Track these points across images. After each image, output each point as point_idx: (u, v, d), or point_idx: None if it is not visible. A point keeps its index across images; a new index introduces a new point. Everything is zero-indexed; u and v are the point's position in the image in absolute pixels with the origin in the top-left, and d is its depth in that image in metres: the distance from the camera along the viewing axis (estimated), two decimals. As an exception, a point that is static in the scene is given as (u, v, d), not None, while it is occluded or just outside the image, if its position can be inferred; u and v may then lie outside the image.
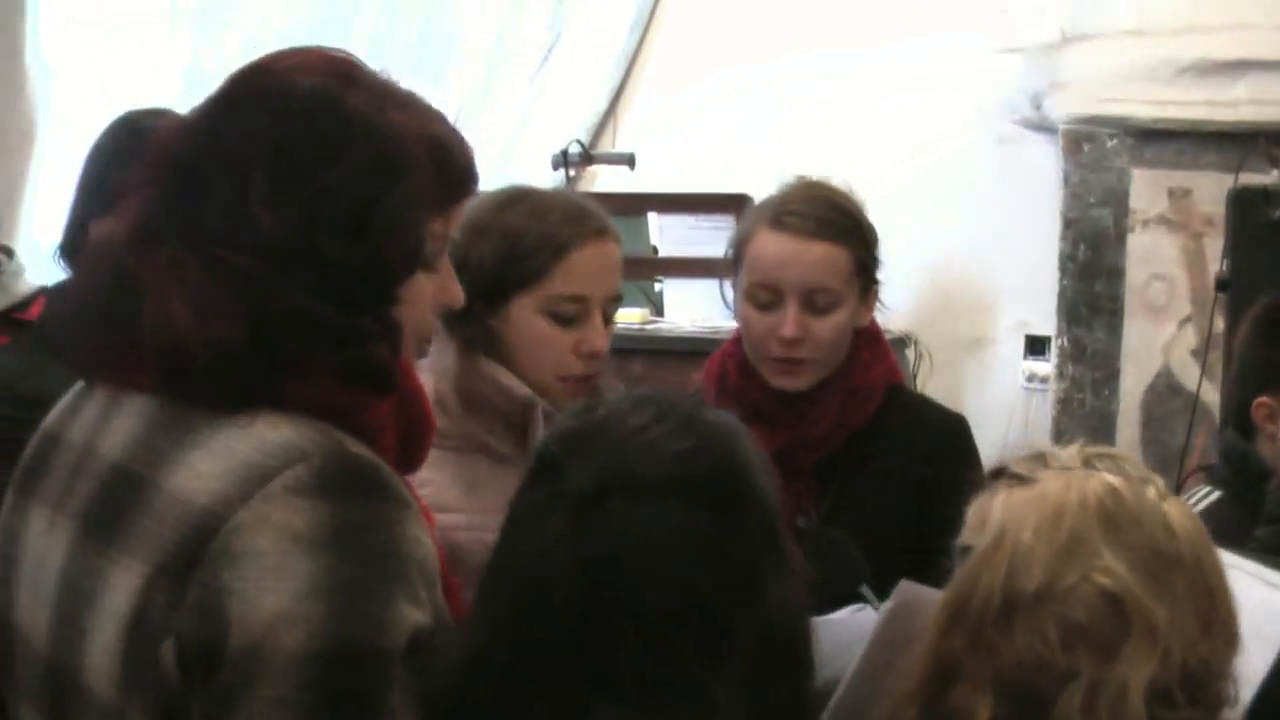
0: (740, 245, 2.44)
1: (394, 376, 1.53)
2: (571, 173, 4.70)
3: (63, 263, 2.57)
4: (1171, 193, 4.32)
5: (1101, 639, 1.54)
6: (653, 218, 4.53)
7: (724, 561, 1.45)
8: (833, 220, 2.39)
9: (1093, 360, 4.41)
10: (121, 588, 1.43)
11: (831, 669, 1.74)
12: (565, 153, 4.66)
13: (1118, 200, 4.37)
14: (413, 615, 1.42)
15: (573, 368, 2.21)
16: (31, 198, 4.57)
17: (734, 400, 2.36)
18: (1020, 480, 1.64)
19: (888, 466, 2.39)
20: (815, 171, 4.18)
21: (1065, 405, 4.44)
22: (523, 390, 2.18)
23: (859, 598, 2.05)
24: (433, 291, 1.60)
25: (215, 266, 1.47)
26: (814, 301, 2.36)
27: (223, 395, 1.46)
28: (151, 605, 1.41)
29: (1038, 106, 4.54)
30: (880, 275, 2.47)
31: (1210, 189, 4.20)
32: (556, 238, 2.19)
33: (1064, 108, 4.44)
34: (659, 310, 4.59)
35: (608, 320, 2.25)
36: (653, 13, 5.09)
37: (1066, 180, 4.42)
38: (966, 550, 1.65)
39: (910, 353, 4.43)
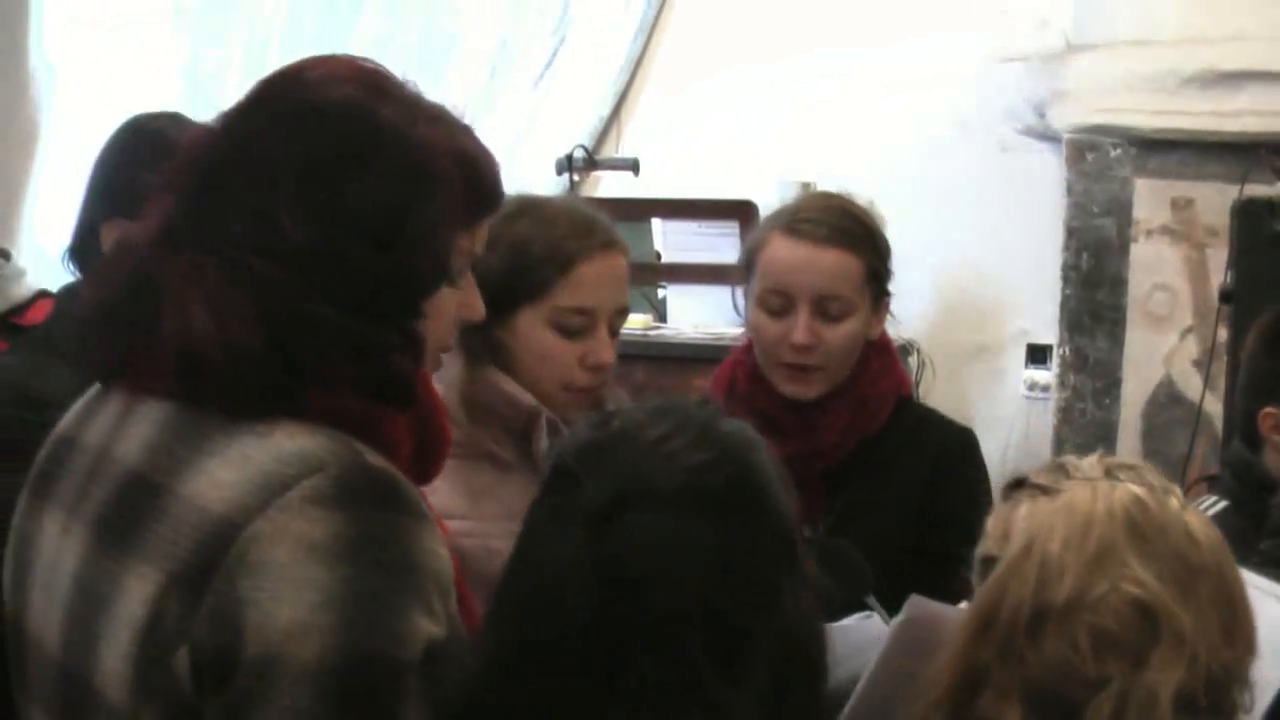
0: (753, 251, 2.45)
1: (414, 390, 1.53)
2: (575, 178, 4.70)
3: (71, 266, 2.56)
4: (1174, 203, 4.32)
5: (1132, 647, 1.56)
6: (656, 223, 4.53)
7: (741, 573, 1.45)
8: (847, 228, 2.39)
9: (1094, 370, 4.41)
10: (136, 594, 1.43)
11: (840, 673, 1.74)
12: (570, 157, 4.66)
13: (1120, 210, 4.37)
14: (428, 627, 1.42)
15: (578, 379, 2.21)
16: (34, 199, 4.57)
17: (743, 408, 2.36)
18: (1043, 491, 1.66)
19: (895, 477, 2.40)
20: (818, 178, 4.24)
21: (1066, 414, 4.44)
22: (527, 399, 2.18)
23: (864, 607, 2.05)
24: (455, 305, 1.61)
25: (237, 271, 1.47)
26: (826, 309, 2.37)
27: (240, 401, 1.45)
28: (166, 613, 1.41)
29: (1041, 115, 4.54)
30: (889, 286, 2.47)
31: (1213, 199, 4.20)
32: (564, 250, 2.20)
33: (1067, 117, 4.44)
34: (662, 316, 4.59)
35: (614, 332, 2.25)
36: (657, 18, 5.09)
37: (1069, 189, 4.42)
38: (990, 561, 1.66)
39: (913, 360, 4.43)
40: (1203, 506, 2.69)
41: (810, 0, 4.87)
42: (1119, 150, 4.36)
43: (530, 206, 2.26)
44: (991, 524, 1.69)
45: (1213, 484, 3.04)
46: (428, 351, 1.58)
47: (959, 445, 2.50)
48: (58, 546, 1.54)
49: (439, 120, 1.57)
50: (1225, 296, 3.70)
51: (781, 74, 4.86)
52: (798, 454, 2.29)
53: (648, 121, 5.10)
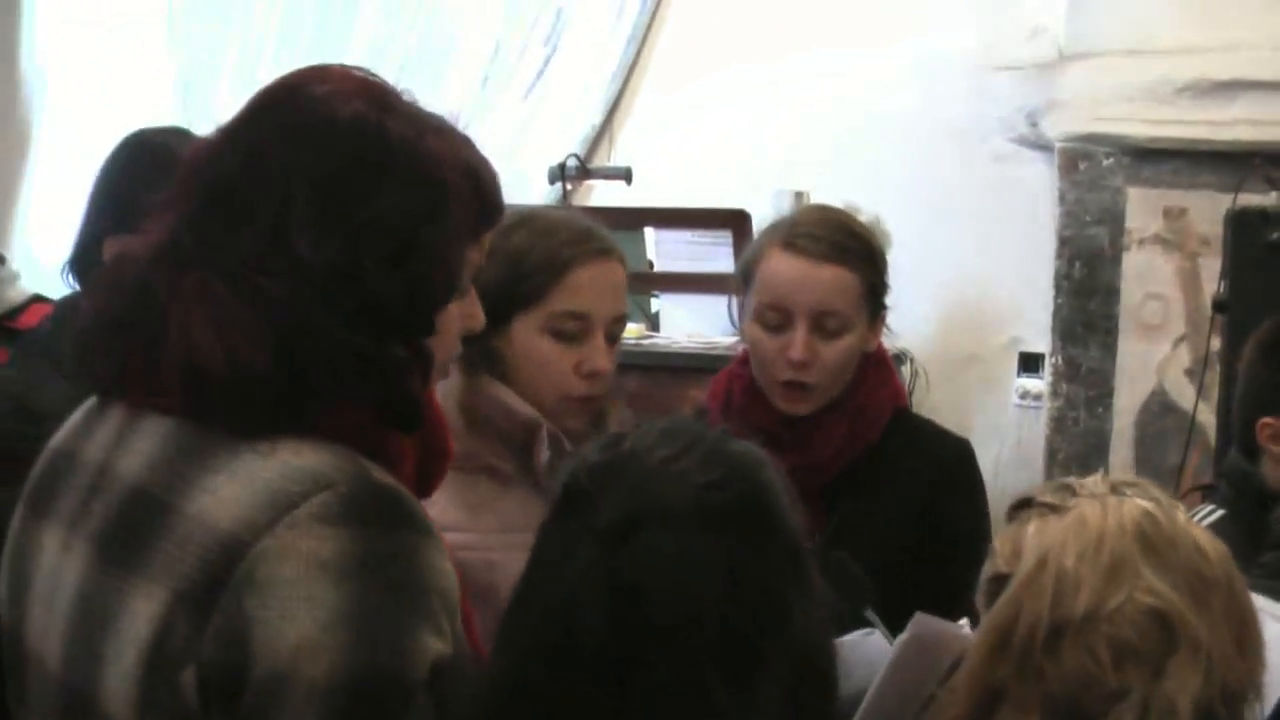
0: (750, 265, 2.44)
1: (423, 412, 1.53)
2: (568, 187, 4.68)
3: (71, 278, 2.55)
4: (1167, 212, 4.32)
5: (1150, 656, 1.58)
6: (649, 232, 4.51)
7: (753, 591, 1.45)
8: (845, 244, 2.39)
9: (1087, 379, 4.41)
10: (141, 612, 1.42)
11: (844, 689, 1.74)
12: (562, 166, 4.65)
13: (1113, 219, 4.37)
14: (435, 645, 1.42)
15: (575, 388, 2.20)
16: (27, 202, 4.56)
17: (739, 422, 2.35)
18: (1052, 509, 1.67)
19: (893, 489, 2.40)
20: (811, 188, 4.24)
21: (1059, 424, 4.44)
22: (527, 411, 2.18)
23: (863, 620, 2.05)
24: (459, 317, 1.60)
25: (250, 294, 1.46)
26: (823, 324, 2.36)
27: (247, 421, 1.44)
28: (173, 631, 1.40)
29: (1034, 124, 4.55)
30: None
31: (1206, 209, 4.21)
32: (559, 256, 2.19)
33: (1060, 126, 4.44)
34: (655, 326, 4.58)
35: (612, 341, 2.25)
36: (649, 26, 5.09)
37: (1062, 199, 4.42)
38: (1000, 579, 1.67)
39: (906, 370, 4.43)
40: (1198, 516, 2.69)
41: (803, 9, 4.87)
42: (1112, 159, 4.36)
43: (527, 218, 2.27)
44: (1000, 543, 1.70)
45: (1207, 493, 3.04)
46: (436, 366, 1.57)
47: (956, 457, 2.50)
48: (58, 563, 1.53)
49: (444, 133, 1.57)
50: (1219, 306, 3.70)
51: (775, 82, 4.86)
52: (795, 468, 2.25)
53: (641, 130, 5.10)
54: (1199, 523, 2.56)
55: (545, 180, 4.74)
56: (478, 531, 2.14)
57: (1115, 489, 1.67)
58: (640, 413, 2.35)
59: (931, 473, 2.43)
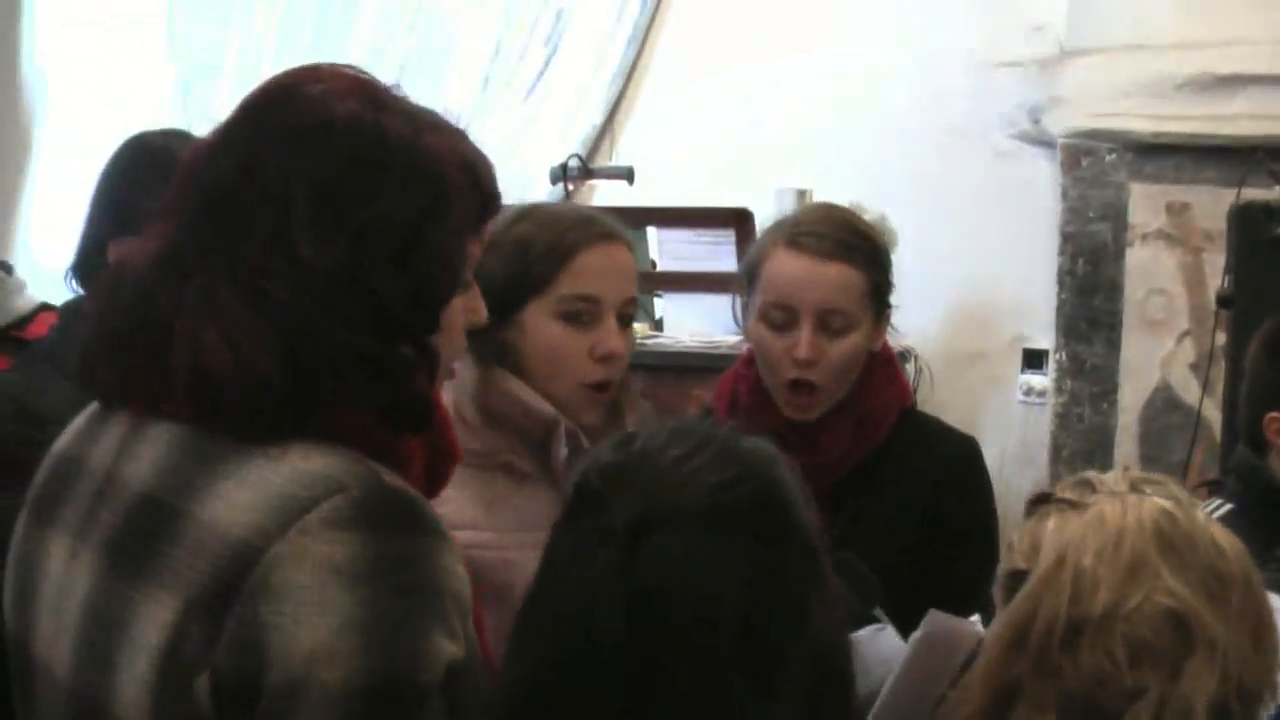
0: (754, 264, 2.43)
1: (432, 414, 1.52)
2: (570, 187, 4.68)
3: (75, 283, 2.55)
4: (1170, 208, 4.31)
5: (1167, 657, 1.58)
6: (652, 232, 4.51)
7: (770, 589, 1.44)
8: (849, 242, 2.38)
9: (1091, 375, 4.40)
10: (153, 620, 1.41)
11: (859, 687, 1.73)
12: (564, 166, 4.64)
13: (1116, 215, 4.36)
14: (449, 648, 1.41)
15: (591, 373, 2.19)
16: (28, 205, 4.55)
17: (746, 423, 2.35)
18: (1071, 505, 1.67)
19: (900, 488, 2.40)
20: (814, 186, 4.23)
21: (1064, 420, 4.43)
22: (545, 408, 2.17)
23: (872, 620, 2.04)
24: (462, 312, 1.59)
25: (255, 299, 1.45)
26: (828, 323, 2.35)
27: (256, 426, 1.44)
28: (186, 639, 1.39)
29: (1036, 121, 4.54)
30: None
31: (1209, 204, 4.20)
32: (565, 241, 2.20)
33: (1062, 122, 4.43)
34: (658, 325, 4.58)
35: (625, 323, 2.24)
36: (650, 26, 5.08)
37: (1065, 195, 4.42)
38: (1017, 575, 1.67)
39: (910, 367, 4.42)
40: (1209, 510, 2.70)
41: (803, 7, 4.87)
42: (1114, 155, 4.35)
43: (530, 210, 2.28)
44: (1018, 539, 1.70)
45: (1214, 489, 3.04)
46: (442, 365, 1.56)
47: (963, 456, 2.49)
48: (66, 571, 1.52)
49: (439, 128, 1.56)
50: (1224, 301, 3.70)
51: (776, 81, 4.86)
52: (803, 469, 2.27)
53: (642, 130, 5.10)
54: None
55: (547, 181, 4.74)
56: (494, 530, 2.14)
57: (1135, 486, 1.68)
58: (653, 409, 2.35)
59: (938, 472, 2.42)
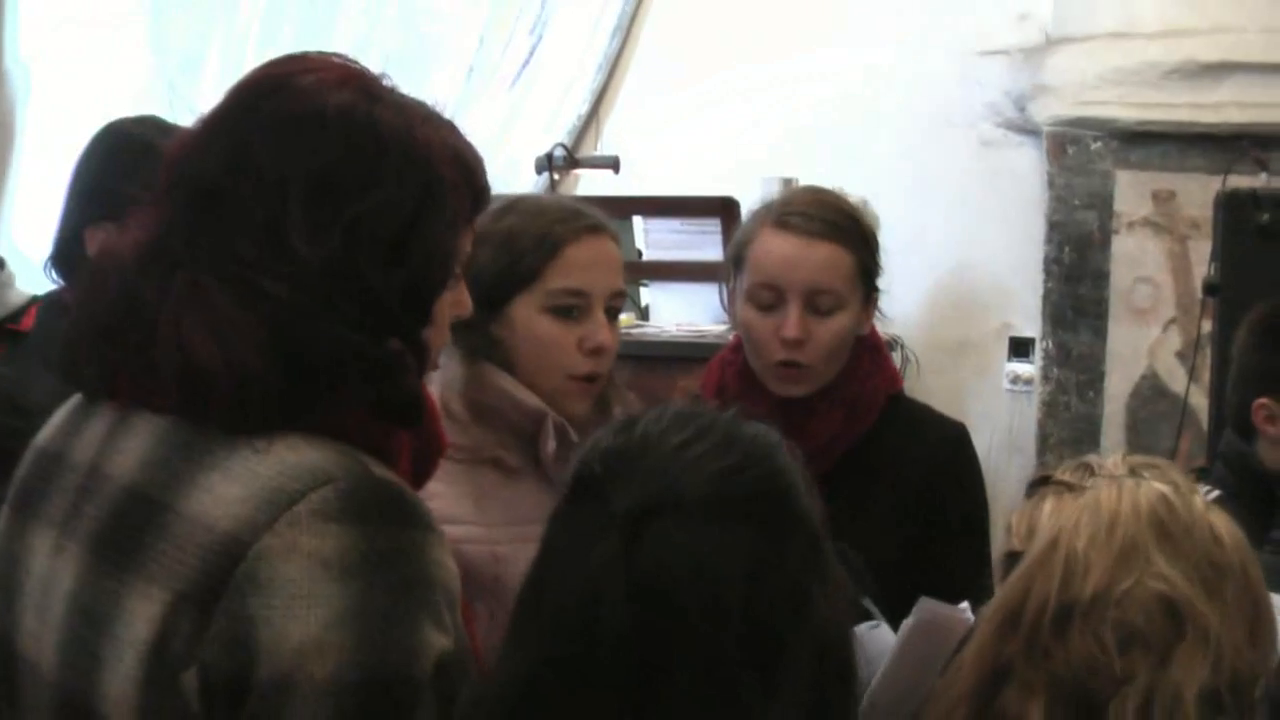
0: (741, 246, 2.42)
1: (423, 408, 1.51)
2: (555, 176, 4.67)
3: (54, 274, 2.54)
4: (1156, 195, 4.32)
5: (1157, 643, 1.57)
6: (638, 221, 4.51)
7: (773, 578, 1.42)
8: (837, 222, 2.37)
9: (1078, 363, 4.41)
10: (140, 615, 1.40)
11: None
12: (549, 156, 4.64)
13: (1102, 203, 4.37)
14: (439, 641, 1.40)
15: (579, 366, 2.19)
16: (11, 198, 4.54)
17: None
18: (1069, 488, 1.67)
19: (890, 475, 2.39)
20: (799, 175, 4.22)
21: (1050, 408, 4.44)
22: (533, 401, 2.17)
23: (861, 609, 2.04)
24: (449, 305, 1.59)
25: (244, 292, 1.43)
26: (817, 303, 2.34)
27: (244, 419, 1.42)
28: (174, 634, 1.38)
29: (1021, 109, 4.54)
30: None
31: (1195, 192, 4.21)
32: (551, 234, 2.19)
33: (1048, 110, 4.44)
34: (644, 315, 4.58)
35: (613, 316, 2.24)
36: (635, 15, 5.07)
37: (1051, 183, 4.42)
38: (1014, 556, 1.66)
39: (897, 356, 4.42)
40: (1198, 496, 2.71)
41: (789, -2, 4.87)
42: (1100, 143, 4.36)
43: (515, 202, 2.27)
44: (1015, 520, 1.70)
45: (1201, 476, 3.04)
46: (430, 358, 1.56)
47: (953, 442, 2.48)
48: (50, 566, 1.51)
49: (431, 120, 1.55)
50: (1210, 289, 3.70)
51: (761, 70, 4.85)
52: (792, 454, 2.28)
53: (627, 119, 5.09)
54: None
55: (533, 170, 4.73)
56: (483, 524, 2.13)
57: (1134, 471, 1.67)
58: (639, 397, 2.34)
59: (929, 458, 2.42)
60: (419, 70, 4.91)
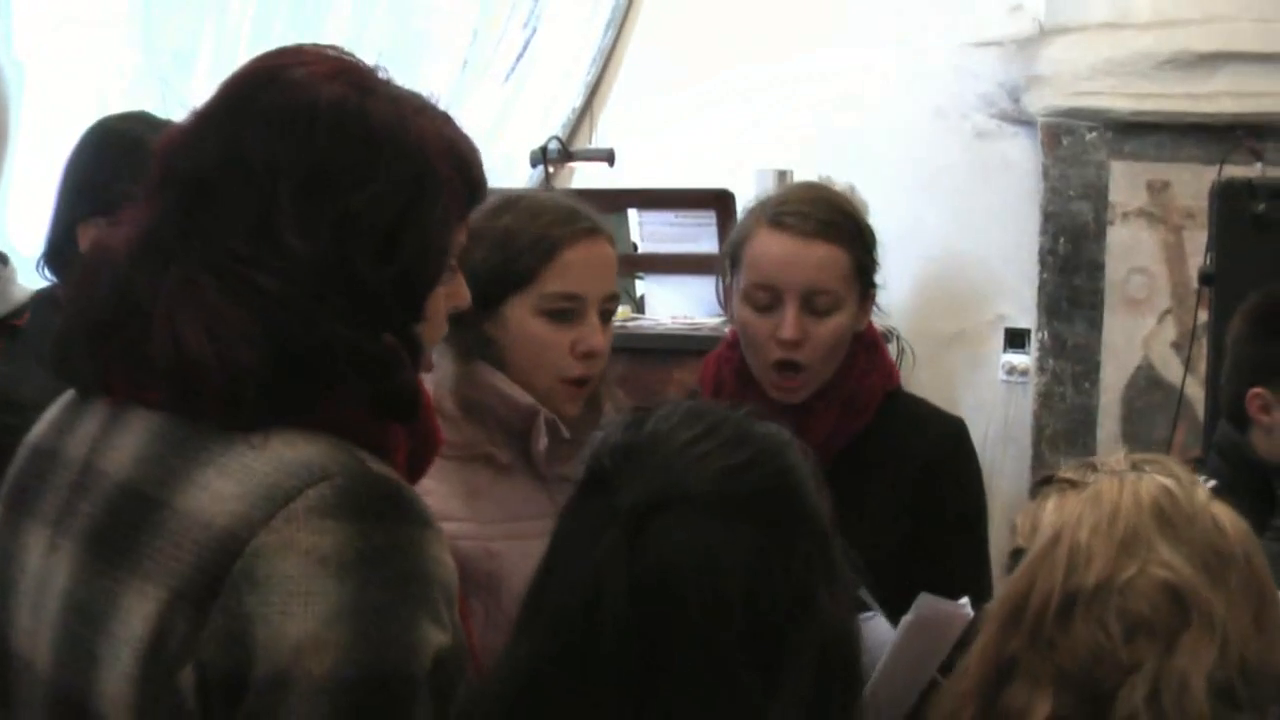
0: (738, 245, 2.41)
1: (419, 403, 1.50)
2: (550, 170, 4.67)
3: (47, 271, 2.54)
4: (1151, 186, 4.32)
5: (1162, 630, 1.58)
6: (633, 214, 4.51)
7: (777, 575, 1.42)
8: (834, 221, 2.36)
9: (1073, 354, 4.41)
10: (136, 612, 1.39)
11: None
12: (544, 149, 4.63)
13: (1097, 194, 4.37)
14: (437, 637, 1.39)
15: (571, 369, 2.19)
16: (5, 196, 4.53)
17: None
18: (1071, 485, 1.69)
19: (887, 471, 2.38)
20: (794, 167, 4.23)
21: (1046, 399, 4.44)
22: (525, 399, 2.17)
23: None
24: (445, 299, 1.58)
25: (238, 290, 1.42)
26: (814, 303, 2.34)
27: (239, 414, 1.41)
28: (170, 631, 1.37)
29: (1016, 100, 4.54)
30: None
31: (1189, 182, 4.21)
32: (548, 237, 2.18)
33: (1042, 101, 4.44)
34: (639, 308, 4.57)
35: (605, 319, 2.24)
36: (628, 8, 5.07)
37: (1045, 174, 4.42)
38: (1019, 554, 1.66)
39: (892, 348, 4.42)
40: (1194, 487, 2.71)
41: (783, -11, 4.86)
42: (1094, 134, 4.36)
43: (513, 200, 2.25)
44: (1020, 520, 1.72)
45: (1196, 466, 3.05)
46: (425, 352, 1.55)
47: (951, 437, 2.47)
48: (45, 564, 1.50)
49: (425, 112, 1.53)
50: (1205, 278, 3.70)
51: (755, 62, 4.85)
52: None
53: (622, 112, 5.09)
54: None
55: (527, 164, 4.72)
56: (477, 521, 2.13)
57: (1136, 466, 1.68)
58: (634, 390, 2.34)
59: (927, 454, 2.41)
60: (412, 64, 4.90)
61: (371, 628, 1.36)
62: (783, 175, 4.24)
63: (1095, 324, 4.39)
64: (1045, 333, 4.44)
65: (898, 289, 4.44)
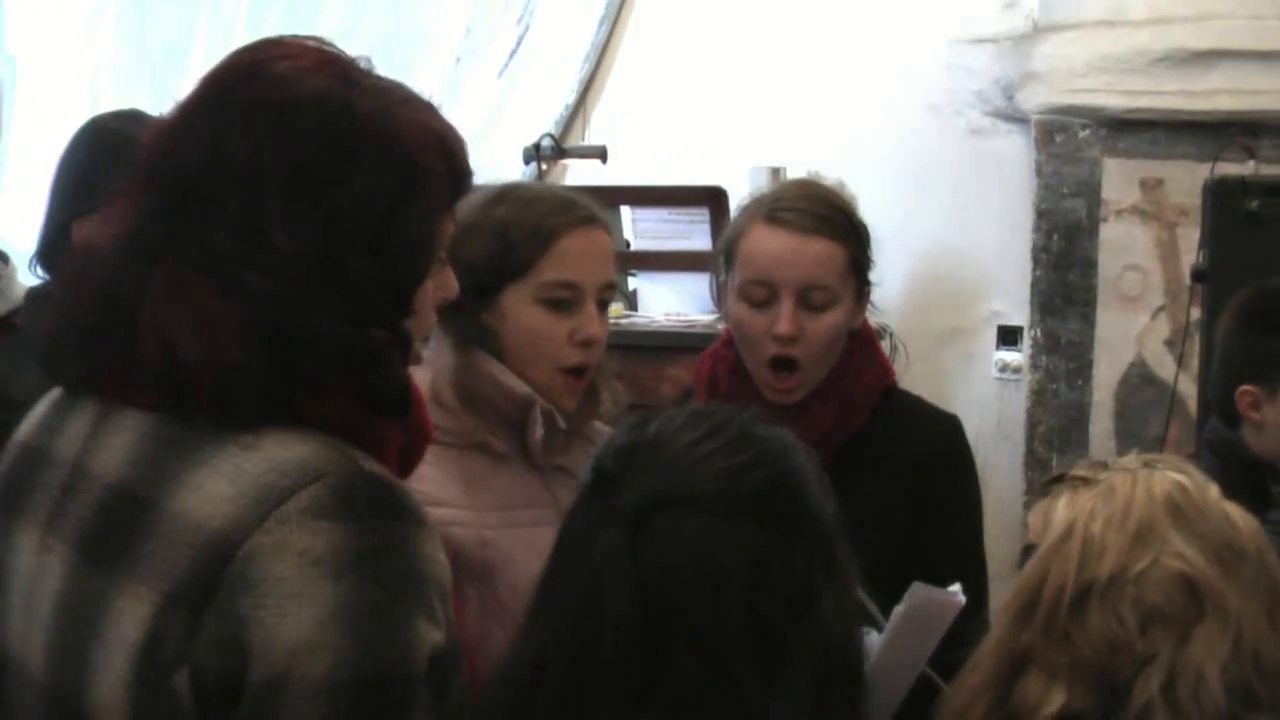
0: (733, 242, 2.41)
1: (410, 397, 1.50)
2: (543, 166, 4.66)
3: (40, 270, 2.54)
4: (1144, 183, 4.32)
5: (1177, 621, 1.59)
6: (625, 211, 4.51)
7: (777, 577, 1.43)
8: (829, 217, 2.36)
9: (1066, 351, 4.41)
10: (130, 615, 1.38)
11: None
12: (537, 146, 4.63)
13: (1090, 191, 4.37)
14: (432, 634, 1.39)
15: (569, 357, 2.19)
16: (-2, 195, 4.53)
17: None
18: (1084, 482, 1.70)
19: (883, 469, 2.38)
20: (788, 164, 4.22)
21: (1039, 396, 4.44)
22: (521, 389, 2.17)
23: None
24: (433, 290, 1.57)
25: (227, 288, 1.41)
26: (809, 299, 2.34)
27: (230, 414, 1.41)
28: (164, 634, 1.37)
29: (1009, 97, 4.54)
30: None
31: (1183, 179, 4.21)
32: (545, 226, 2.19)
33: (1036, 98, 4.43)
34: (632, 305, 4.57)
35: (603, 307, 2.24)
36: (621, 5, 5.06)
37: (1039, 171, 4.42)
38: (1030, 549, 1.67)
39: (884, 345, 4.41)
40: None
41: (775, -16, 4.86)
42: (1088, 131, 4.35)
43: (509, 190, 2.26)
44: (1032, 517, 1.73)
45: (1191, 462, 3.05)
46: (414, 346, 1.54)
47: (946, 434, 2.48)
48: (36, 565, 1.49)
49: (410, 103, 1.52)
50: (1198, 276, 3.70)
51: (748, 59, 4.84)
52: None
53: (615, 108, 5.08)
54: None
55: (520, 161, 4.72)
56: (472, 508, 2.14)
57: (1148, 464, 1.70)
58: (628, 387, 2.34)
59: (923, 450, 2.41)
60: (405, 60, 4.90)
61: (367, 628, 1.35)
62: (776, 172, 4.23)
63: (1088, 321, 4.39)
64: (1038, 330, 4.43)
65: (891, 286, 4.43)
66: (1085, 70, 4.31)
